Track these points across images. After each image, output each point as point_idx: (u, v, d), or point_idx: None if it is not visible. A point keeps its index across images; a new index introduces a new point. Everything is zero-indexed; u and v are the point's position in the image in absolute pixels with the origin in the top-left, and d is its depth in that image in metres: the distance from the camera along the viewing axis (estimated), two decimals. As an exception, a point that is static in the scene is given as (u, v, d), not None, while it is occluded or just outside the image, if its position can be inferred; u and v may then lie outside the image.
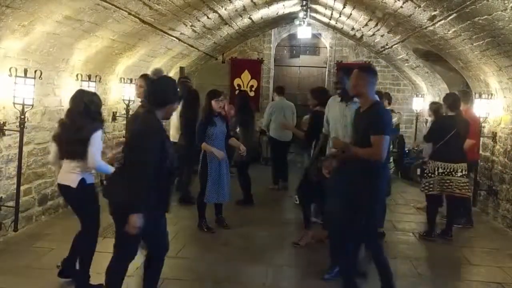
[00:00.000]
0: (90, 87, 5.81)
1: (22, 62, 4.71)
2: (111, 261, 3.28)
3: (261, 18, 9.71)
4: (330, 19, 10.47)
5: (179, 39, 7.87)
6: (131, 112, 6.74)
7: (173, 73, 9.69)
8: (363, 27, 9.21)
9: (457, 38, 5.95)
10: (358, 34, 10.30)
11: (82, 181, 3.68)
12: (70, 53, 5.53)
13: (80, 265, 3.76)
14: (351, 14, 8.63)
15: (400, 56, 9.83)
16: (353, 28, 9.96)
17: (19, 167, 4.88)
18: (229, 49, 11.68)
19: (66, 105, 4.33)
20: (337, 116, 4.42)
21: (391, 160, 5.99)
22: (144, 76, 5.28)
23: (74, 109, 3.68)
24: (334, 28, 11.45)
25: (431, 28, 6.19)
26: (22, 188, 5.04)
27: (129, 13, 5.40)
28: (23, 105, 4.70)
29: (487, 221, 6.58)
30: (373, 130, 3.61)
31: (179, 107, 4.72)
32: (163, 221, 3.36)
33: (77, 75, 5.84)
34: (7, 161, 4.89)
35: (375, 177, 3.70)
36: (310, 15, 10.69)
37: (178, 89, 3.31)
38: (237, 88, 11.42)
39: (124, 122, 7.37)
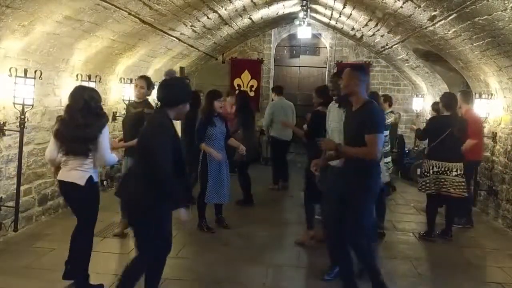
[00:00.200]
0: (90, 87, 5.81)
1: (22, 62, 4.71)
2: (134, 261, 3.29)
3: (261, 18, 9.71)
4: (330, 19, 10.47)
5: (179, 39, 7.87)
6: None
7: (173, 73, 9.68)
8: (363, 27, 9.21)
9: (457, 38, 5.95)
10: (358, 34, 10.29)
11: (90, 179, 3.65)
12: (70, 53, 5.53)
13: (79, 265, 3.74)
14: (351, 14, 8.63)
15: (400, 56, 9.83)
16: (353, 28, 9.96)
17: (19, 167, 4.88)
18: (229, 49, 11.68)
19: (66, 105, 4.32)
20: (335, 121, 4.44)
21: (390, 159, 5.97)
22: (144, 77, 5.29)
23: (74, 106, 3.62)
24: (334, 28, 11.45)
25: (431, 28, 6.19)
26: (22, 188, 5.04)
27: (129, 13, 5.40)
28: (23, 105, 4.70)
29: (487, 221, 6.57)
30: (367, 129, 3.60)
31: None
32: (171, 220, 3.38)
33: (77, 75, 5.84)
34: (7, 161, 4.89)
35: (369, 176, 3.71)
36: (310, 15, 10.70)
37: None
38: (237, 88, 11.42)
39: (124, 122, 7.36)
